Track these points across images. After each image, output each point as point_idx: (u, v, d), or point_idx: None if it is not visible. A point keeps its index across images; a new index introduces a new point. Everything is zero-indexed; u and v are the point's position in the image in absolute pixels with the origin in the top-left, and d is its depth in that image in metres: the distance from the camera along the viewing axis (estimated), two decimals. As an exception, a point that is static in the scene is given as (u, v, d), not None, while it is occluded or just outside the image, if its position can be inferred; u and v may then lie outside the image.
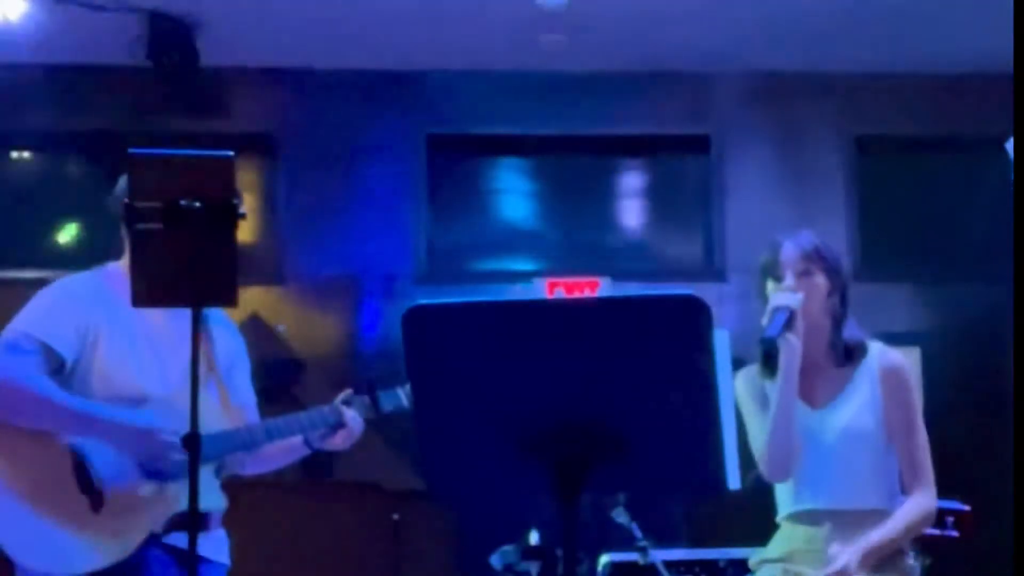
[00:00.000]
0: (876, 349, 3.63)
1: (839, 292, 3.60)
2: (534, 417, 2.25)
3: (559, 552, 4.91)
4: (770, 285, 3.59)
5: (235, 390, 3.57)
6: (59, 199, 7.28)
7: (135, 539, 3.26)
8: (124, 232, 3.48)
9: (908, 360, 3.71)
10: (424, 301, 2.28)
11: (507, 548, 5.34)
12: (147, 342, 3.38)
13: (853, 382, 3.57)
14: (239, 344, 3.64)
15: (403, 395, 3.64)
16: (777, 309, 3.49)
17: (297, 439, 3.59)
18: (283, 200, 7.41)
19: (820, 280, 3.56)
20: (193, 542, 2.79)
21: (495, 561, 5.34)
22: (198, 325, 2.80)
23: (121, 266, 3.47)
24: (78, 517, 3.24)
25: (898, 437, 3.55)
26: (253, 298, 6.96)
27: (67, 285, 3.44)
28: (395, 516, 5.95)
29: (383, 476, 6.84)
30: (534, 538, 5.39)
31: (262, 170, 7.49)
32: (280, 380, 6.82)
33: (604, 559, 5.13)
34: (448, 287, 7.06)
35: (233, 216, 2.75)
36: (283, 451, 3.66)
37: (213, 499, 3.37)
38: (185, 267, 2.75)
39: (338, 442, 3.58)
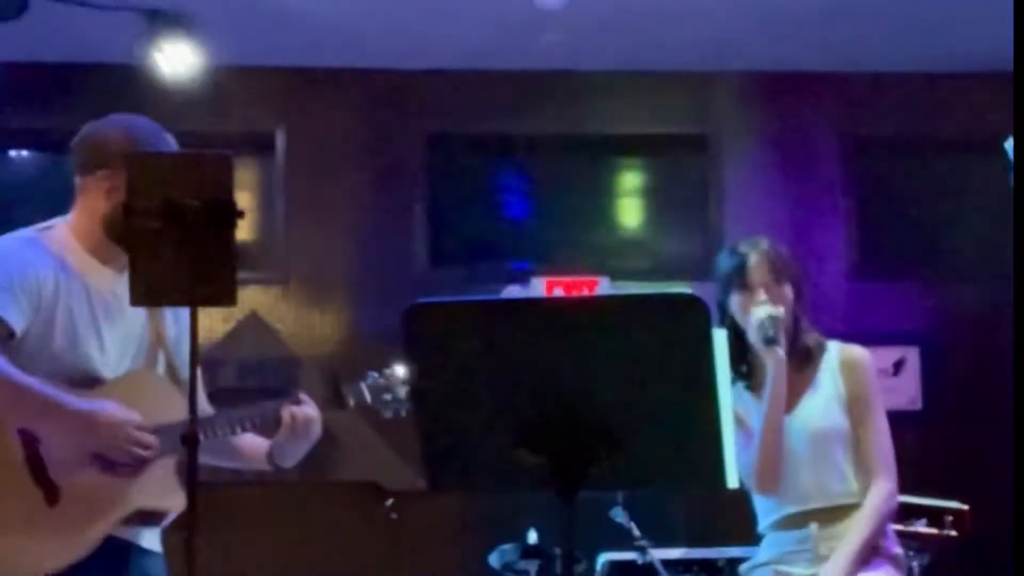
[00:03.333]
0: (834, 346, 3.66)
1: (800, 298, 3.64)
2: (533, 415, 2.25)
3: (557, 551, 4.92)
4: (738, 297, 3.60)
5: (183, 364, 3.25)
6: (59, 199, 7.26)
7: (94, 537, 3.06)
8: (79, 185, 3.30)
9: (868, 354, 3.73)
10: (423, 300, 2.29)
11: (506, 547, 5.35)
12: (97, 319, 3.17)
13: (816, 381, 3.61)
14: (186, 315, 3.46)
15: (366, 390, 3.49)
16: (772, 318, 3.52)
17: (260, 453, 3.38)
18: (282, 199, 7.41)
19: (788, 290, 3.60)
20: (192, 536, 2.76)
21: (494, 560, 5.34)
22: (196, 324, 2.78)
23: (70, 229, 3.28)
24: (33, 512, 3.02)
25: (858, 425, 3.57)
26: (252, 297, 6.95)
27: (13, 248, 3.18)
28: (395, 516, 5.94)
29: (383, 476, 6.84)
30: (532, 537, 5.40)
31: (261, 169, 7.49)
32: (278, 379, 6.82)
33: (602, 558, 5.14)
34: (447, 286, 7.06)
35: (232, 215, 2.75)
36: (246, 454, 3.42)
37: (176, 498, 3.13)
38: (184, 266, 2.74)
39: (294, 439, 3.32)
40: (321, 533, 6.99)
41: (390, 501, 5.91)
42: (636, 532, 4.94)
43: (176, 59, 6.51)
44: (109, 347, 3.20)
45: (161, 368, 3.28)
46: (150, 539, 3.24)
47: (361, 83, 7.39)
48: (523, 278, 7.37)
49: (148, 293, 2.84)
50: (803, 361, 3.62)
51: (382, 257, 7.38)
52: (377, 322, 7.09)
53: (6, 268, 3.11)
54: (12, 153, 7.64)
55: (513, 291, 7.13)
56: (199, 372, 3.38)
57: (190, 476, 2.75)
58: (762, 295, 3.56)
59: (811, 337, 3.65)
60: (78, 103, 7.13)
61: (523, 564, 5.33)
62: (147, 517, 3.16)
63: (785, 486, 3.55)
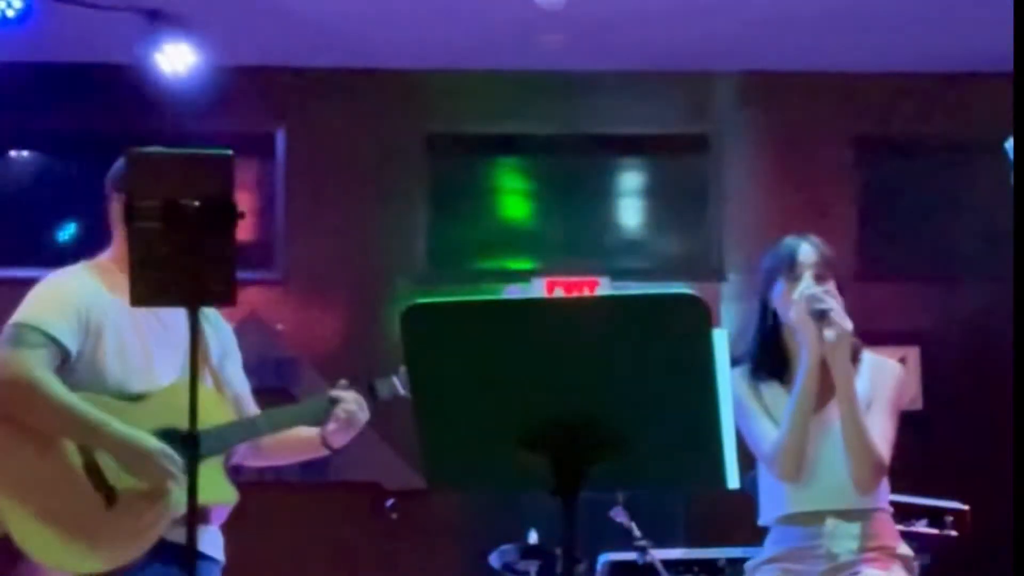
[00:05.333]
0: (868, 355, 3.64)
1: (840, 297, 3.61)
2: (533, 416, 2.25)
3: (558, 551, 4.91)
4: (784, 285, 3.57)
5: (228, 380, 3.54)
6: (59, 199, 7.28)
7: (150, 538, 3.24)
8: (113, 220, 3.44)
9: (901, 366, 3.73)
10: (423, 300, 2.29)
11: (506, 547, 5.35)
12: (144, 335, 3.36)
13: None
14: (229, 334, 3.62)
15: (398, 382, 3.59)
16: (824, 294, 3.49)
17: (313, 441, 3.56)
18: (282, 199, 7.42)
19: (832, 286, 3.57)
20: (192, 538, 2.78)
21: (494, 560, 5.34)
22: (197, 324, 2.79)
23: (111, 258, 3.45)
24: (92, 514, 3.22)
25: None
26: (252, 297, 6.96)
27: (63, 279, 3.41)
28: (395, 516, 5.95)
29: (383, 476, 6.85)
30: (533, 537, 5.39)
31: (262, 169, 7.49)
32: (279, 379, 6.83)
33: (603, 558, 5.13)
34: (447, 286, 7.06)
35: (232, 215, 2.75)
36: (295, 448, 3.63)
37: (218, 493, 3.33)
38: (184, 266, 2.74)
39: (343, 425, 3.52)
40: (321, 533, 6.99)
41: (390, 501, 5.91)
42: (636, 532, 4.93)
43: (176, 59, 6.51)
44: (158, 366, 3.36)
45: (209, 383, 3.44)
46: (207, 544, 3.38)
47: (361, 83, 7.39)
48: (523, 278, 7.38)
49: (148, 293, 2.84)
50: None
51: (382, 257, 7.38)
52: (377, 322, 7.10)
53: (58, 297, 3.33)
54: (12, 153, 7.65)
55: (513, 291, 7.13)
56: (245, 378, 3.59)
57: (190, 476, 2.77)
58: (810, 279, 3.53)
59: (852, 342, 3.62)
60: (78, 103, 7.14)
61: (523, 564, 5.32)
62: (200, 515, 3.21)
63: (805, 483, 3.53)
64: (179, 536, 3.25)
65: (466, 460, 2.35)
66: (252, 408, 3.61)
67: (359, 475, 6.86)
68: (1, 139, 7.46)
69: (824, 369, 3.52)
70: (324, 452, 3.60)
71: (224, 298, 2.84)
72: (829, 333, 3.46)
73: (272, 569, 6.77)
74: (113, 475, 3.24)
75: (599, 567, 5.13)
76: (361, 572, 6.92)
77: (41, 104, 7.17)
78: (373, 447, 6.70)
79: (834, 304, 3.50)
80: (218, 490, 3.33)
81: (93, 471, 3.23)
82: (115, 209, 3.42)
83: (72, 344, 3.27)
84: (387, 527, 6.14)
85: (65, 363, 3.27)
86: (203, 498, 3.16)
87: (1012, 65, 3.42)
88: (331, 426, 3.52)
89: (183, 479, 3.17)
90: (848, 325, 3.48)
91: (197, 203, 2.72)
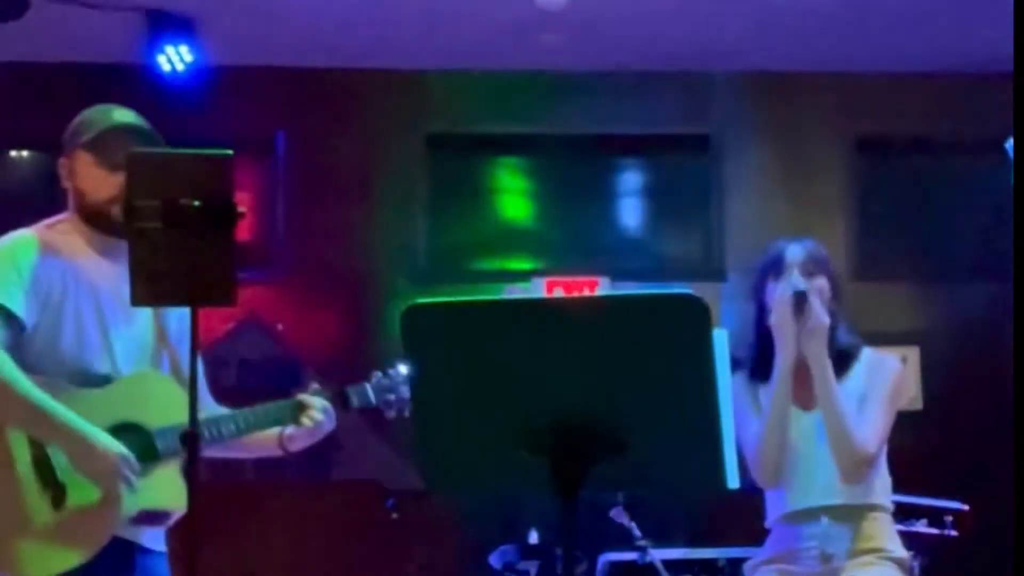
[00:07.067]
0: (868, 352, 3.64)
1: (836, 298, 3.62)
2: (533, 416, 2.25)
3: (558, 551, 4.92)
4: (773, 285, 3.59)
5: (183, 357, 3.26)
6: (59, 199, 7.27)
7: (99, 540, 3.07)
8: (65, 177, 3.33)
9: (900, 363, 3.72)
10: (423, 300, 2.29)
11: (506, 547, 5.35)
12: (103, 313, 3.19)
13: (844, 382, 3.57)
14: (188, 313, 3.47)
15: (371, 391, 3.48)
16: (805, 289, 3.50)
17: (271, 439, 3.41)
18: (282, 199, 7.42)
19: (823, 283, 3.58)
20: (193, 536, 2.76)
21: (494, 560, 5.34)
22: (197, 325, 2.78)
23: (68, 222, 3.31)
24: (39, 514, 3.04)
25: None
26: (252, 297, 6.95)
27: (18, 244, 3.21)
28: (395, 516, 5.95)
29: (383, 476, 6.85)
30: (533, 537, 5.40)
31: (261, 169, 7.49)
32: (278, 379, 6.82)
33: (603, 558, 5.14)
34: (447, 286, 7.06)
35: (232, 215, 2.74)
36: (252, 445, 3.45)
37: (175, 498, 3.11)
38: (184, 266, 2.74)
39: (306, 433, 3.37)
40: (321, 533, 6.99)
41: (390, 501, 5.91)
42: (636, 532, 4.94)
43: (176, 59, 6.51)
44: (117, 347, 3.21)
45: (167, 366, 3.29)
46: (152, 538, 3.24)
47: (361, 83, 7.39)
48: (523, 278, 7.38)
49: (148, 293, 2.83)
50: (836, 361, 3.58)
51: (382, 257, 7.38)
52: (377, 322, 7.10)
53: (15, 265, 3.14)
54: (12, 153, 7.65)
55: (513, 291, 7.13)
56: (203, 371, 3.42)
57: (190, 476, 2.75)
58: (797, 275, 3.54)
59: (847, 339, 3.62)
60: (78, 103, 7.12)
61: (523, 564, 5.33)
62: (152, 517, 3.16)
63: (805, 481, 3.53)
64: (129, 533, 3.14)
65: (465, 461, 2.35)
66: (203, 389, 3.39)
67: (359, 475, 6.86)
68: (1, 139, 7.46)
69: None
70: (279, 453, 3.44)
71: (224, 298, 2.82)
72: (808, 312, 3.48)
73: (272, 569, 6.77)
74: (63, 472, 3.05)
75: (599, 567, 5.14)
76: (361, 572, 6.91)
77: (41, 104, 7.16)
78: (373, 447, 6.71)
79: (814, 286, 3.53)
80: (175, 495, 3.11)
81: (42, 466, 3.04)
82: (65, 165, 3.33)
83: (29, 317, 3.08)
84: (387, 527, 6.14)
85: (20, 337, 3.07)
86: (160, 502, 3.11)
87: (1012, 65, 3.42)
88: (291, 430, 3.38)
89: (135, 484, 3.05)
90: (825, 318, 3.50)
91: (197, 203, 2.72)
